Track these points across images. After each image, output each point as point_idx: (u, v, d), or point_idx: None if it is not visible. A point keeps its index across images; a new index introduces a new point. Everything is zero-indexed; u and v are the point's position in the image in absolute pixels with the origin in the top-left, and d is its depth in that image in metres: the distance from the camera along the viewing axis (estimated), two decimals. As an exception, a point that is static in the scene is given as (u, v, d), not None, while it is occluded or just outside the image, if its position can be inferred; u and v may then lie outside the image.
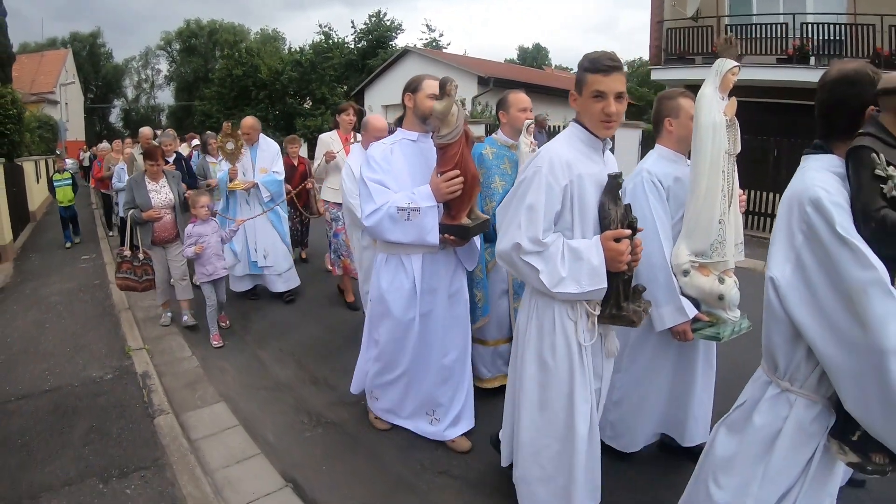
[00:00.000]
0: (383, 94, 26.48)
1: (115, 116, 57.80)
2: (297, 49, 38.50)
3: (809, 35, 13.82)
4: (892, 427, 1.70)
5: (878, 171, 1.74)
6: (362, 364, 3.76)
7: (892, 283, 1.68)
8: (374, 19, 38.03)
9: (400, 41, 37.86)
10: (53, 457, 3.48)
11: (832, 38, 13.44)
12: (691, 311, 2.82)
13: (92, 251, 9.78)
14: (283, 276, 6.47)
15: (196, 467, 3.32)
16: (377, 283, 3.47)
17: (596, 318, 2.53)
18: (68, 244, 10.30)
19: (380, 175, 3.21)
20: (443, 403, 3.57)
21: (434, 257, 3.36)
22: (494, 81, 23.02)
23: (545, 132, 12.04)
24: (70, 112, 35.27)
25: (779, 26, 14.40)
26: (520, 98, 3.92)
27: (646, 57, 22.40)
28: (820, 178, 1.83)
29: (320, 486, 3.22)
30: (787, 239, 1.86)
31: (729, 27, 15.14)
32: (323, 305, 6.38)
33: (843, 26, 13.33)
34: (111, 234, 10.71)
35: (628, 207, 2.52)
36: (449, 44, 41.82)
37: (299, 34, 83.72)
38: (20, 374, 4.68)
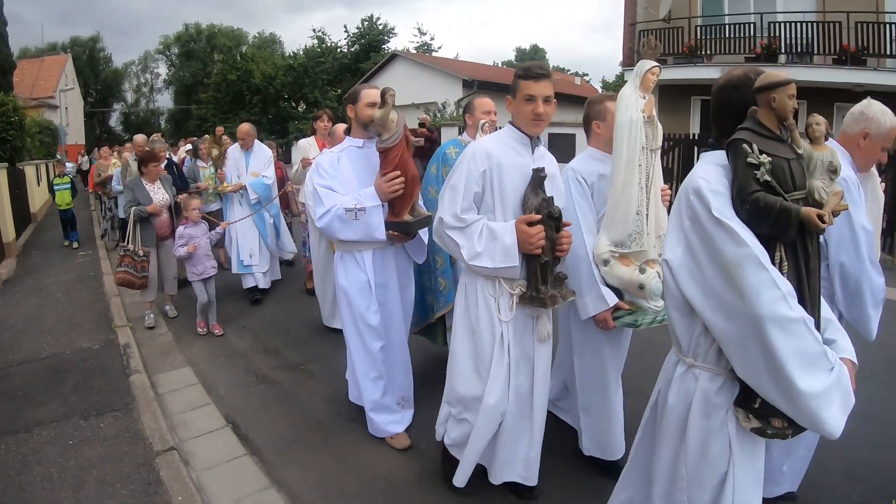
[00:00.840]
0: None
1: (114, 120, 58.37)
2: (291, 54, 39.27)
3: (779, 34, 14.13)
4: (779, 389, 1.88)
5: (750, 160, 1.91)
6: (352, 373, 3.94)
7: (773, 261, 1.88)
8: (366, 24, 39.13)
9: (395, 43, 38.67)
10: (45, 402, 4.34)
11: (802, 36, 13.92)
12: (612, 300, 2.97)
13: (88, 248, 10.41)
14: (265, 274, 6.91)
15: (157, 410, 4.12)
16: (337, 280, 3.80)
17: (516, 298, 2.84)
18: (73, 244, 10.70)
19: (328, 181, 3.56)
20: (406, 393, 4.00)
21: (384, 252, 3.68)
22: (479, 84, 23.35)
23: None
24: (70, 116, 35.77)
25: (747, 26, 14.76)
26: (483, 102, 4.22)
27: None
28: (703, 170, 2.00)
29: (253, 426, 3.99)
30: (678, 224, 2.01)
31: (699, 28, 15.52)
32: (288, 294, 7.03)
33: (812, 24, 13.77)
34: (105, 240, 11.04)
35: (550, 199, 2.81)
36: (440, 47, 42.51)
37: (299, 36, 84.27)
38: (22, 346, 5.54)
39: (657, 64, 3.03)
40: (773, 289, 1.83)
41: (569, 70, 46.39)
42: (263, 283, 7.00)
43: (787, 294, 1.84)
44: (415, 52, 38.56)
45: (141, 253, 5.71)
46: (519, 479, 3.11)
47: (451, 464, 3.25)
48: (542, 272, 2.80)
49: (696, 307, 1.97)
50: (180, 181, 7.60)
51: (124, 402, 4.30)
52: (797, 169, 1.92)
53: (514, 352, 2.94)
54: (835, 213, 1.93)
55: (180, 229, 5.62)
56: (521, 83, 2.81)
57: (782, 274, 1.88)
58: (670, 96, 16.14)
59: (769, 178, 1.84)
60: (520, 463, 3.09)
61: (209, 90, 38.99)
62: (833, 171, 1.93)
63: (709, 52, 15.06)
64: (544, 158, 2.98)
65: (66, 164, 16.40)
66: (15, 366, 5.05)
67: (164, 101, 58.10)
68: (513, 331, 2.91)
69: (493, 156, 2.87)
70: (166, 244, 5.95)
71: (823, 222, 1.83)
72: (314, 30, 48.41)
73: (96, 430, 3.92)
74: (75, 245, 10.61)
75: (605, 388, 3.30)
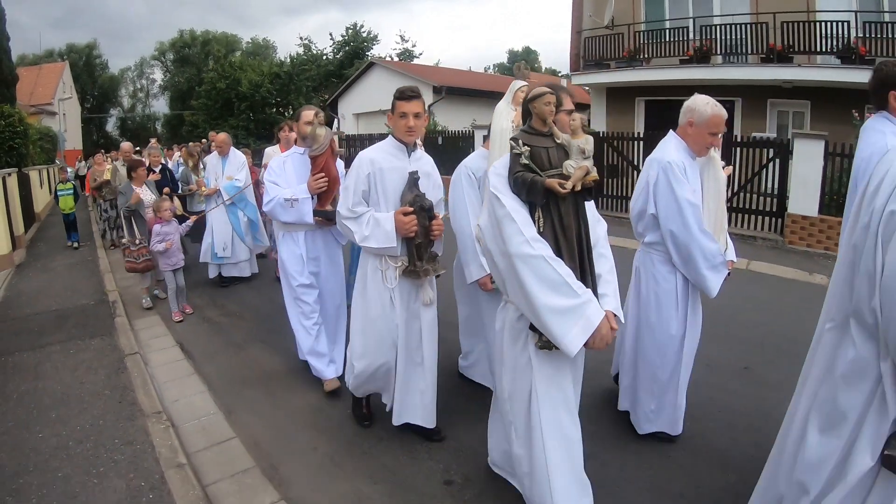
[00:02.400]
0: (354, 104, 27.79)
1: (111, 125, 58.98)
2: (279, 61, 40.33)
3: (715, 36, 14.86)
4: (527, 306, 2.50)
5: (515, 150, 2.56)
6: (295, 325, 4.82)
7: (533, 219, 2.50)
8: (351, 31, 40.25)
9: (380, 50, 39.54)
10: (55, 332, 5.97)
11: (735, 37, 14.65)
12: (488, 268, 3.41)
13: (88, 244, 11.34)
14: (238, 265, 7.87)
15: (130, 336, 5.82)
16: (280, 254, 4.69)
17: (399, 270, 3.52)
18: (74, 244, 11.24)
19: (275, 178, 4.49)
20: (338, 342, 4.80)
21: (314, 233, 4.59)
22: (447, 90, 24.24)
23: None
24: (68, 122, 36.35)
25: (682, 30, 15.55)
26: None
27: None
28: (498, 161, 2.67)
29: (194, 347, 5.59)
30: (486, 200, 2.67)
31: (641, 33, 16.34)
32: (260, 283, 7.97)
33: (745, 25, 14.53)
34: (105, 238, 11.57)
35: (422, 195, 3.47)
36: (421, 53, 43.50)
37: (294, 38, 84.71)
38: (38, 304, 7.13)
39: (525, 83, 3.71)
40: (519, 235, 2.46)
41: (560, 72, 47.60)
42: (238, 272, 7.90)
43: (530, 239, 2.46)
44: (397, 58, 39.59)
45: (137, 242, 6.61)
46: (420, 421, 3.72)
47: (359, 405, 4.08)
48: (417, 251, 3.48)
49: (493, 256, 2.59)
50: (172, 184, 8.52)
51: (108, 331, 5.99)
52: (554, 154, 2.55)
53: (403, 313, 3.59)
54: (585, 185, 2.51)
55: (156, 227, 6.40)
56: (397, 103, 3.50)
57: (539, 230, 2.51)
58: (616, 98, 16.97)
59: (528, 162, 2.50)
60: (419, 408, 3.69)
61: (200, 97, 39.95)
62: (583, 153, 2.54)
63: (647, 55, 15.79)
64: (421, 161, 3.66)
65: (67, 170, 16.99)
66: (33, 315, 6.63)
67: (160, 106, 59.06)
68: (400, 297, 3.57)
69: (376, 161, 3.54)
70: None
71: (564, 189, 2.44)
72: (301, 38, 49.73)
73: (88, 345, 5.59)
74: (76, 245, 11.16)
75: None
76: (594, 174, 2.52)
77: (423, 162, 3.69)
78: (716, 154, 3.61)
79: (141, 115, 59.53)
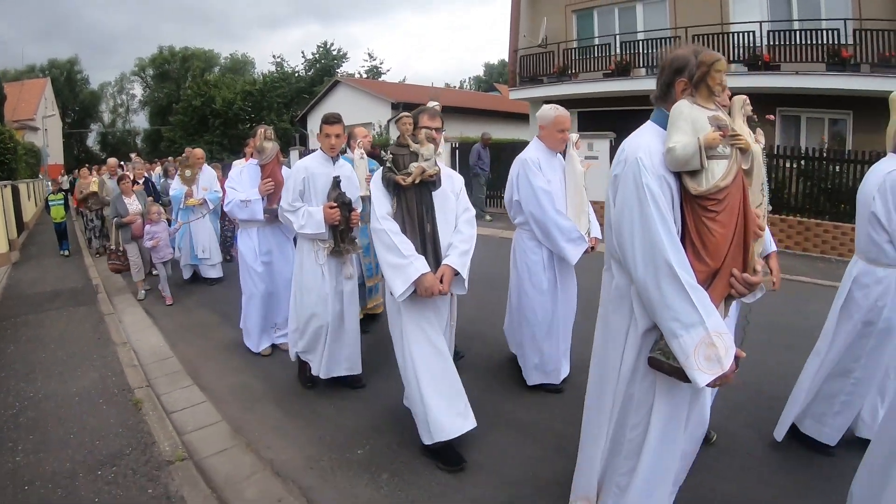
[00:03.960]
0: (321, 119, 28.80)
1: (92, 140, 58.22)
2: (252, 80, 40.72)
3: (638, 50, 15.65)
4: (380, 263, 3.39)
5: (384, 157, 3.46)
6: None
7: (392, 207, 3.32)
8: (322, 49, 41.13)
9: (350, 66, 40.57)
10: (51, 302, 7.64)
11: (657, 51, 15.08)
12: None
13: (75, 250, 12.03)
14: (215, 266, 8.49)
15: (109, 305, 7.33)
16: (238, 247, 5.51)
17: (327, 250, 4.30)
18: (65, 252, 11.62)
19: (233, 184, 5.32)
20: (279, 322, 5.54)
21: (265, 229, 5.37)
22: (403, 106, 24.40)
23: (488, 147, 14.31)
24: (49, 137, 36.37)
25: (606, 46, 16.40)
26: (358, 131, 5.68)
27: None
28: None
29: (153, 308, 7.06)
30: None
31: (573, 50, 17.14)
32: (230, 280, 8.47)
33: (665, 40, 15.16)
34: (92, 246, 11.85)
35: (343, 193, 4.23)
36: (388, 70, 44.52)
37: (275, 51, 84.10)
38: (35, 287, 8.70)
39: (437, 103, 4.67)
40: (374, 216, 3.35)
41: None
42: (214, 273, 8.51)
43: (381, 217, 3.30)
44: (365, 75, 40.52)
45: (120, 249, 7.60)
46: (345, 371, 4.47)
47: (304, 370, 4.70)
48: (340, 236, 4.32)
49: None
50: (154, 194, 9.27)
51: (93, 302, 7.59)
52: (408, 159, 3.37)
53: (331, 282, 4.37)
54: (424, 179, 3.31)
55: (147, 227, 7.33)
56: (322, 126, 4.41)
57: (393, 211, 3.35)
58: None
59: (390, 165, 3.39)
60: (343, 360, 4.45)
61: (177, 114, 40.54)
62: (425, 157, 3.33)
63: (576, 70, 16.62)
64: (342, 168, 4.50)
65: (61, 181, 17.54)
66: (33, 294, 8.23)
67: (140, 121, 58.46)
68: (328, 271, 4.35)
69: (309, 168, 4.40)
70: (141, 241, 7.58)
71: (405, 182, 3.27)
72: (274, 56, 50.27)
73: (77, 310, 7.24)
74: (67, 254, 11.54)
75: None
76: (430, 171, 3.34)
77: (344, 168, 4.54)
78: (573, 152, 4.24)
79: (121, 130, 59.01)
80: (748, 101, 3.16)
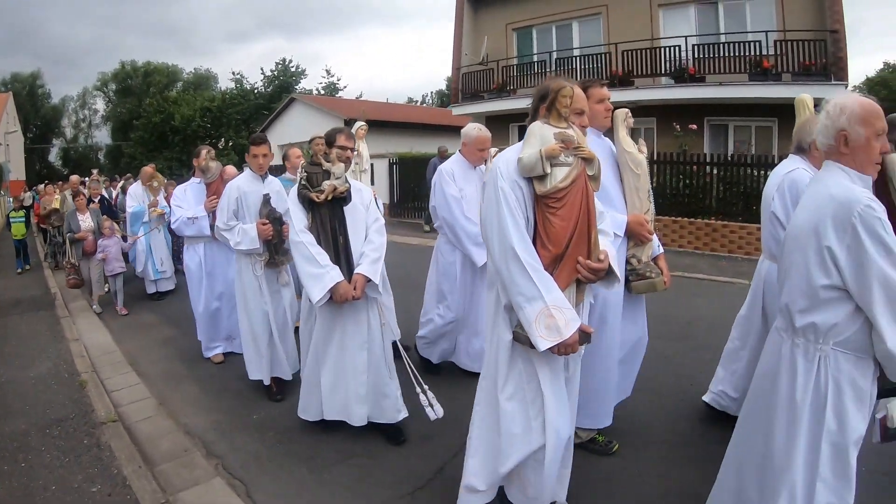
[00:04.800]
0: (277, 136, 27.97)
1: (54, 155, 56.46)
2: (211, 97, 40.23)
3: (574, 66, 16.18)
4: (299, 274, 3.53)
5: (300, 175, 3.67)
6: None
7: (308, 220, 3.49)
8: (280, 66, 40.91)
9: (308, 82, 40.35)
10: (11, 309, 8.26)
11: (591, 66, 15.91)
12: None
13: (35, 264, 12.41)
14: (170, 279, 8.55)
15: (65, 309, 7.84)
16: (185, 261, 5.73)
17: (263, 262, 4.44)
18: (19, 270, 11.67)
19: (178, 202, 5.56)
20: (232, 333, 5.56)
21: (210, 244, 5.53)
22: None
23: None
24: (11, 152, 35.36)
25: (543, 62, 16.93)
26: (292, 151, 5.83)
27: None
28: None
29: (115, 325, 7.04)
30: None
31: (514, 66, 17.71)
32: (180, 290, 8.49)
33: (599, 55, 15.84)
34: (47, 260, 11.91)
35: (273, 209, 4.34)
36: (345, 87, 43.96)
37: (240, 66, 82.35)
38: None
39: (363, 124, 5.20)
40: (292, 230, 3.57)
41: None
42: (169, 286, 8.56)
43: (298, 231, 3.50)
44: (323, 91, 40.59)
45: (76, 264, 7.78)
46: (284, 376, 4.66)
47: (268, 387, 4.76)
48: (274, 248, 4.45)
49: None
50: (110, 212, 9.24)
51: (51, 308, 8.16)
52: (321, 177, 3.59)
53: (268, 292, 4.54)
54: (341, 193, 3.57)
55: (100, 241, 7.51)
56: (250, 147, 4.57)
57: (309, 226, 3.56)
58: (494, 125, 17.35)
59: (305, 183, 3.60)
60: (289, 359, 4.66)
61: (137, 130, 40.00)
62: (336, 176, 3.58)
63: (515, 87, 17.09)
64: (271, 185, 4.62)
65: (25, 197, 17.42)
66: None
67: (102, 136, 56.93)
68: (266, 281, 4.51)
69: (241, 187, 4.55)
70: (93, 258, 7.71)
71: (318, 199, 3.51)
72: (233, 72, 49.77)
73: (37, 314, 7.88)
74: (20, 271, 11.64)
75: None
76: (341, 188, 3.60)
77: (273, 185, 4.67)
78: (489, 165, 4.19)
79: (83, 145, 57.39)
80: (629, 114, 3.50)
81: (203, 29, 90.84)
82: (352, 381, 3.73)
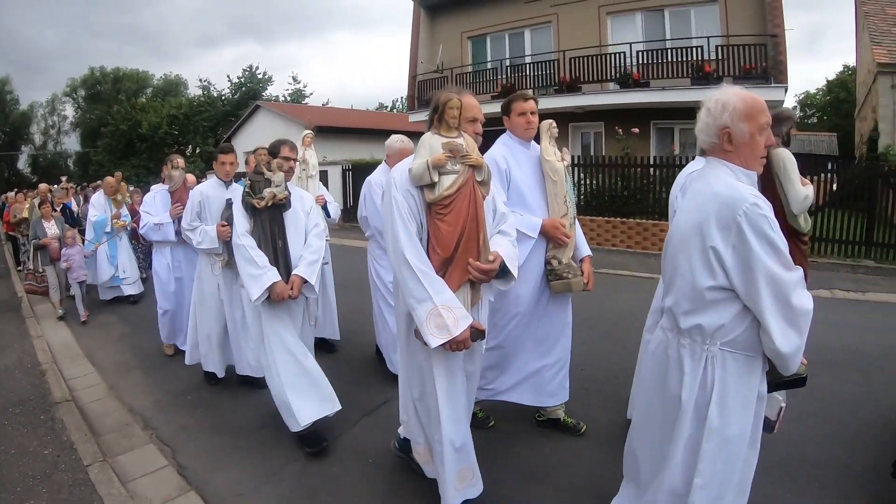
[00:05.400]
0: (243, 142, 27.90)
1: (22, 162, 54.39)
2: (178, 103, 39.60)
3: (526, 73, 16.59)
4: (240, 275, 3.73)
5: (244, 184, 3.90)
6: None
7: (250, 226, 3.69)
8: (247, 73, 40.76)
9: (275, 89, 40.16)
10: None
11: (542, 73, 16.20)
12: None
13: (1, 265, 12.55)
14: (133, 284, 8.55)
15: (31, 311, 8.03)
16: (153, 265, 5.90)
17: (222, 263, 4.56)
18: None
19: (147, 209, 5.67)
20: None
21: (176, 249, 5.69)
22: (317, 129, 25.67)
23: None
24: None
25: (496, 69, 17.30)
26: (259, 155, 5.76)
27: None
28: None
29: (77, 327, 7.27)
30: None
31: (468, 74, 17.94)
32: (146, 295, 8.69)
33: (549, 62, 16.12)
34: (20, 269, 11.60)
35: (231, 216, 4.10)
36: (311, 93, 44.20)
37: (210, 71, 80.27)
38: None
39: (310, 131, 5.54)
40: (235, 233, 3.73)
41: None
42: (133, 290, 8.57)
43: (240, 234, 3.69)
44: (289, 98, 40.46)
45: (40, 270, 7.86)
46: (249, 370, 4.71)
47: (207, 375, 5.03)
48: (231, 250, 4.15)
49: None
50: (72, 221, 9.45)
51: (17, 310, 8.38)
52: (264, 185, 3.77)
53: (227, 292, 4.67)
54: (281, 200, 3.75)
55: (63, 250, 7.64)
56: (218, 156, 4.75)
57: (250, 230, 3.74)
58: None
59: (248, 190, 3.77)
60: (249, 358, 4.66)
61: (105, 138, 39.41)
62: (276, 184, 3.76)
63: (313, 129, 17.26)
64: (235, 192, 4.59)
65: None
66: None
67: (72, 143, 54.89)
68: (223, 280, 4.66)
69: (204, 193, 4.72)
70: (58, 264, 7.82)
71: (259, 205, 3.67)
72: (200, 79, 49.13)
73: (3, 315, 8.12)
74: None
75: None
76: (280, 196, 3.79)
77: (237, 191, 4.56)
78: None
79: (53, 152, 55.18)
80: (554, 124, 3.66)
81: (174, 33, 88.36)
82: (311, 373, 3.91)
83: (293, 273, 3.78)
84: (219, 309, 4.82)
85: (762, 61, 13.32)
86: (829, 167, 11.27)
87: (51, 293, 8.05)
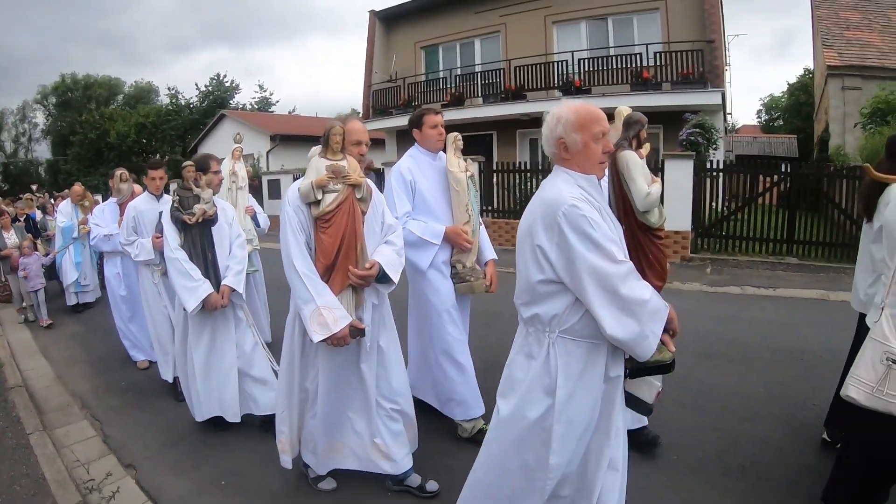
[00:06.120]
0: (210, 151, 27.01)
1: None
2: (146, 112, 39.12)
3: (476, 82, 16.84)
4: (174, 287, 3.94)
5: (172, 199, 3.99)
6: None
7: (181, 239, 3.87)
8: (214, 81, 40.32)
9: (242, 97, 39.79)
10: None
11: (492, 81, 16.47)
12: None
13: None
14: (91, 292, 8.67)
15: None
16: (105, 273, 6.14)
17: (159, 273, 4.72)
18: None
19: (97, 220, 5.92)
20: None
21: (126, 259, 5.61)
22: (280, 138, 25.58)
23: (373, 173, 13.90)
24: None
25: (446, 79, 17.69)
26: (187, 171, 5.78)
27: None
28: None
29: (38, 330, 7.56)
30: None
31: (421, 83, 18.25)
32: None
33: (498, 71, 16.40)
34: None
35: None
36: (278, 101, 43.80)
37: (183, 76, 78.14)
38: None
39: (239, 144, 5.67)
40: (167, 247, 3.90)
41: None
42: (90, 298, 8.70)
43: (173, 248, 3.82)
44: (256, 106, 40.23)
45: (3, 280, 8.03)
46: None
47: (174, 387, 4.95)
48: None
49: None
50: (34, 231, 9.53)
51: None
52: (193, 201, 3.92)
53: (168, 296, 4.76)
54: (206, 218, 3.91)
55: (21, 259, 7.80)
56: (149, 171, 4.86)
57: (181, 244, 3.88)
58: (404, 139, 17.68)
59: (178, 206, 3.91)
60: (169, 358, 4.90)
61: (74, 146, 38.87)
62: (205, 200, 3.95)
63: (420, 102, 17.59)
64: (166, 204, 4.41)
65: None
66: None
67: (43, 150, 53.43)
68: (165, 288, 4.78)
69: (137, 207, 4.87)
70: (17, 273, 7.95)
71: (189, 220, 3.84)
72: (169, 88, 48.24)
73: None
74: None
75: None
76: (210, 212, 3.97)
77: (167, 204, 4.41)
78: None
79: (24, 160, 53.76)
80: (459, 136, 3.82)
81: (145, 39, 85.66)
82: (224, 377, 4.07)
83: (222, 283, 3.99)
84: (164, 315, 4.98)
85: (699, 66, 13.58)
86: (784, 169, 11.62)
87: (14, 301, 8.22)
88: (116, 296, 6.06)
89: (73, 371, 5.93)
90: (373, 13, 19.64)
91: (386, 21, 19.92)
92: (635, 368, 2.28)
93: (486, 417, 3.45)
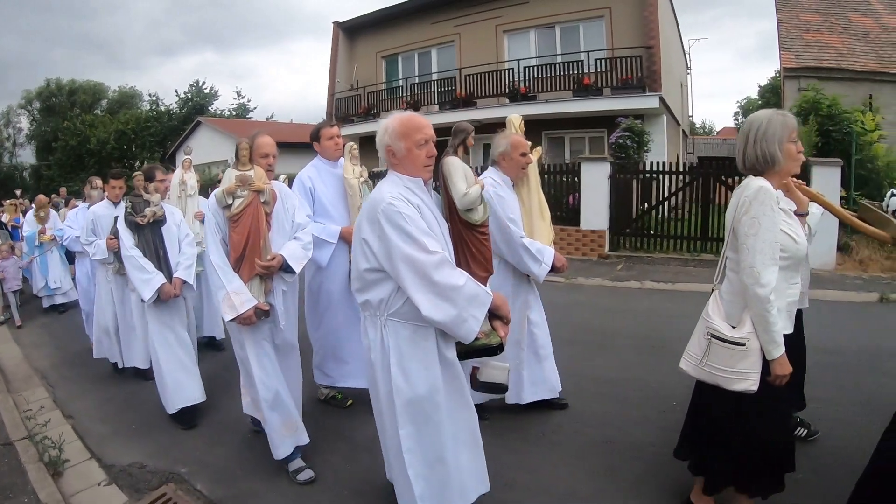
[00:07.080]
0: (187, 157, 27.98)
1: None
2: (126, 119, 38.62)
3: (433, 90, 17.05)
4: (132, 282, 4.25)
5: (126, 205, 4.35)
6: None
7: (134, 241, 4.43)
8: (193, 88, 40.05)
9: (221, 103, 39.75)
10: None
11: (445, 89, 16.69)
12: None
13: None
14: (63, 294, 8.62)
15: None
16: (76, 273, 6.50)
17: (112, 270, 4.88)
18: None
19: (70, 223, 6.34)
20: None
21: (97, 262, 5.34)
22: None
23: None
24: None
25: (406, 87, 18.13)
26: (137, 180, 5.85)
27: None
28: None
29: (16, 332, 7.67)
30: None
31: (377, 92, 18.40)
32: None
33: (452, 79, 16.52)
34: None
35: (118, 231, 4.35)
36: (255, 108, 43.56)
37: (168, 80, 75.62)
38: None
39: (188, 156, 5.86)
40: (123, 246, 4.20)
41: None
42: (65, 300, 8.67)
43: (128, 247, 4.09)
44: (234, 112, 40.12)
45: None
46: (137, 362, 5.06)
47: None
48: (120, 259, 4.51)
49: None
50: (12, 235, 9.68)
51: None
52: (144, 206, 4.20)
53: (120, 295, 5.00)
54: (157, 218, 4.26)
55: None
56: (110, 180, 5.03)
57: (136, 243, 4.15)
58: (369, 146, 16.39)
59: (130, 210, 4.19)
60: (138, 351, 4.99)
61: (55, 153, 38.43)
62: (154, 204, 4.31)
63: (379, 110, 17.60)
64: (121, 210, 4.53)
65: None
66: None
67: (27, 155, 51.11)
68: (116, 285, 5.01)
69: (97, 212, 4.99)
70: None
71: (141, 222, 4.14)
72: (149, 94, 47.33)
73: None
74: None
75: None
76: (159, 213, 4.28)
77: (122, 210, 4.62)
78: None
79: (8, 165, 51.30)
80: (355, 146, 4.11)
81: (131, 42, 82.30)
82: (184, 357, 4.32)
83: (175, 276, 4.30)
84: (112, 309, 5.25)
85: (639, 72, 13.67)
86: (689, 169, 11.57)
87: None
88: (85, 292, 6.54)
89: (39, 351, 6.62)
90: (336, 24, 19.78)
91: (349, 32, 20.00)
92: (462, 351, 2.44)
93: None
